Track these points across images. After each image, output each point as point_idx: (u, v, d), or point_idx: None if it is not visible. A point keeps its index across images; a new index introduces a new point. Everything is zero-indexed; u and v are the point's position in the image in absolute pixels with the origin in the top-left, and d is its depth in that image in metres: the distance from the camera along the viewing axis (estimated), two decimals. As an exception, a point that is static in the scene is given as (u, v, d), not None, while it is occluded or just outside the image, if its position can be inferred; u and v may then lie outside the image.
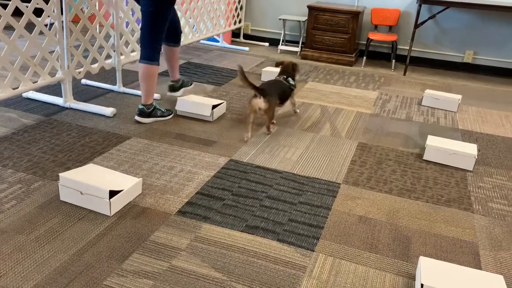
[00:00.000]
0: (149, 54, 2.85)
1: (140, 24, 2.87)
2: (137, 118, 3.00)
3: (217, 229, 1.93)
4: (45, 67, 3.07)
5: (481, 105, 3.93)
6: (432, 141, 2.77)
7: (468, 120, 3.52)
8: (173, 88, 3.48)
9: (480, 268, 1.82)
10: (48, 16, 2.85)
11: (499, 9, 4.29)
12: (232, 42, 5.67)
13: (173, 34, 3.17)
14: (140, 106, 2.97)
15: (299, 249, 1.85)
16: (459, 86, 4.47)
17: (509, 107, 3.91)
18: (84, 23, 3.10)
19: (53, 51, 3.05)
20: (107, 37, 5.27)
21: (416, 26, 4.59)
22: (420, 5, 4.50)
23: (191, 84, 3.62)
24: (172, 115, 3.13)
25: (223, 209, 2.09)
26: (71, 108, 3.14)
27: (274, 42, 5.67)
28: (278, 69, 4.21)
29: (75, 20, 5.88)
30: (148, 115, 2.99)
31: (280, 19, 5.25)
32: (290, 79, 3.15)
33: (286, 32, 5.54)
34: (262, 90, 2.78)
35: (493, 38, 4.89)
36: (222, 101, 3.25)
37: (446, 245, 1.95)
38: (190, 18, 4.40)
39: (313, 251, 1.84)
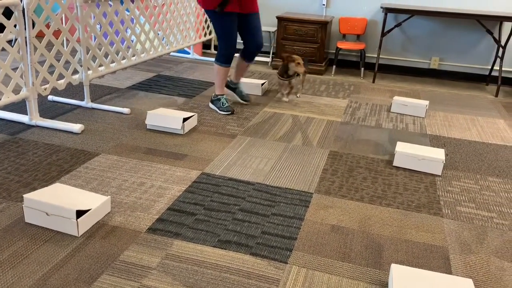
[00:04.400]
0: (216, 56, 3.53)
1: None
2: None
3: (189, 246, 1.90)
4: (8, 84, 2.99)
5: (448, 110, 4.03)
6: (401, 147, 2.81)
7: (435, 125, 3.60)
8: (227, 84, 3.83)
9: (450, 273, 1.85)
10: (11, 32, 2.78)
11: (460, 16, 4.43)
12: (203, 54, 5.66)
13: (245, 51, 3.64)
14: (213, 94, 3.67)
15: (272, 262, 1.84)
16: (427, 92, 4.57)
17: (474, 111, 4.03)
18: (49, 39, 3.04)
19: (17, 68, 2.97)
20: (74, 52, 5.18)
21: (383, 34, 4.69)
22: (386, 14, 4.61)
23: (245, 100, 3.85)
24: (230, 113, 3.54)
25: (195, 224, 2.06)
26: (37, 126, 3.06)
27: (245, 53, 5.69)
28: (249, 80, 4.22)
29: (40, 35, 5.77)
30: (211, 102, 3.66)
31: (250, 30, 5.26)
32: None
33: (256, 43, 5.56)
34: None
35: (457, 45, 5.04)
36: (193, 113, 3.23)
37: (417, 251, 1.98)
38: (159, 31, 4.38)
39: (286, 263, 1.84)
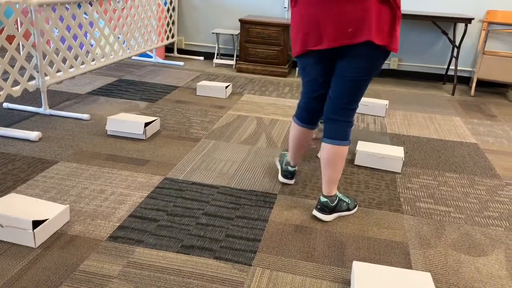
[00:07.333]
0: (340, 129, 2.09)
1: (331, 92, 2.09)
2: (316, 213, 2.21)
3: (151, 252, 1.87)
4: (-41, 92, 2.86)
5: (407, 108, 4.14)
6: (362, 146, 2.87)
7: (395, 124, 3.69)
8: (286, 172, 2.53)
9: (410, 267, 1.89)
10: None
11: (417, 17, 4.57)
12: (166, 57, 5.60)
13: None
14: (323, 199, 2.20)
15: (236, 265, 1.83)
16: (387, 92, 4.69)
17: (432, 109, 4.16)
18: (2, 44, 2.93)
19: (-32, 75, 2.85)
20: (30, 57, 5.02)
21: (344, 36, 4.77)
22: (346, 16, 4.69)
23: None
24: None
25: (158, 230, 2.03)
26: (-9, 134, 2.94)
27: (209, 56, 5.67)
28: (212, 83, 4.20)
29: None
30: (331, 211, 2.21)
31: (213, 33, 5.26)
32: None
33: (220, 46, 5.56)
34: None
35: (415, 45, 5.20)
36: (156, 118, 3.19)
37: (379, 247, 2.02)
38: (120, 35, 4.30)
39: (250, 265, 1.84)
